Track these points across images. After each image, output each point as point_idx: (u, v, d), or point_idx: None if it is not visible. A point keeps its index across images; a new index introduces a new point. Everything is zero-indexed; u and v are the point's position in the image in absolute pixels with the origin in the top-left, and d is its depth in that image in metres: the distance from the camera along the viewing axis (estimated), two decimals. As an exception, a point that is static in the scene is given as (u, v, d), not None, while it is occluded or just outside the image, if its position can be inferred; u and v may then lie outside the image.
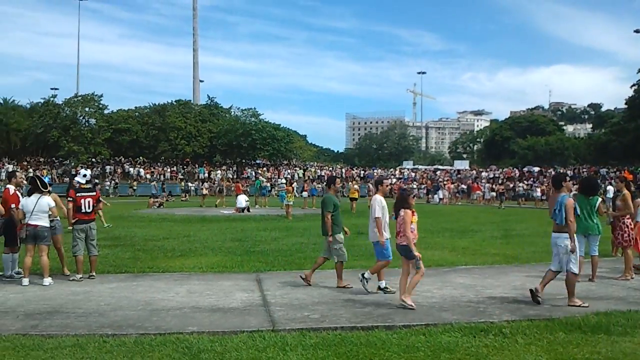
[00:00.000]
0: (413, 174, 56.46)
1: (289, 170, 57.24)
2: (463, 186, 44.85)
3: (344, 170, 60.80)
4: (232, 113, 65.46)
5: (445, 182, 45.72)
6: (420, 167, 67.91)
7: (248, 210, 26.05)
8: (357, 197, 28.73)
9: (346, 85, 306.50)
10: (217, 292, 7.99)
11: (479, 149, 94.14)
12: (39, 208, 8.68)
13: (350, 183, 34.91)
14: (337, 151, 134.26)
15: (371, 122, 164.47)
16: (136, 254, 11.75)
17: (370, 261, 10.88)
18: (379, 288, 8.03)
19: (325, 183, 8.93)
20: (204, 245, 13.53)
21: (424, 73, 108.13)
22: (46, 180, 9.64)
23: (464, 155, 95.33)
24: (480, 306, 7.17)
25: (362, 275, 8.10)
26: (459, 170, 57.86)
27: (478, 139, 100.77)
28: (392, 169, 63.88)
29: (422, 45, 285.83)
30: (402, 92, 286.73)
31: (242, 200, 26.62)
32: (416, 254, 7.20)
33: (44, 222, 8.73)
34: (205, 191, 35.83)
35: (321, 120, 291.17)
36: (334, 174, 55.31)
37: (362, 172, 60.05)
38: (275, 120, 66.72)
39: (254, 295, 7.76)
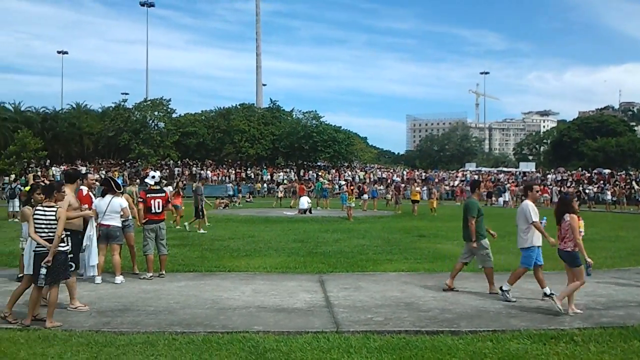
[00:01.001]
0: (475, 177, 55.26)
1: (349, 173, 57.22)
2: (529, 189, 43.38)
3: (405, 173, 60.24)
4: (294, 116, 66.13)
5: (509, 185, 44.47)
6: (483, 169, 66.31)
7: (310, 212, 26.23)
8: (418, 199, 28.43)
9: (407, 87, 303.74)
10: (281, 292, 8.10)
11: (546, 151, 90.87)
12: (112, 209, 9.03)
13: (411, 186, 34.54)
14: (398, 153, 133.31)
15: (432, 124, 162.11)
16: (203, 254, 12.06)
17: (431, 264, 10.78)
18: (545, 295, 7.59)
19: (470, 187, 8.63)
20: (267, 245, 13.73)
21: (487, 73, 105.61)
22: (119, 181, 10.03)
23: (530, 157, 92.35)
24: (550, 312, 6.95)
25: (501, 288, 7.82)
26: (524, 173, 56.14)
27: (545, 140, 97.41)
28: (454, 171, 62.73)
29: (484, 45, 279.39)
30: (464, 93, 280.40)
31: (305, 201, 26.83)
32: (588, 260, 6.97)
33: (116, 222, 9.07)
34: (280, 194, 36.53)
35: (381, 122, 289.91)
36: (395, 177, 55.03)
37: (424, 174, 59.29)
38: (336, 122, 67.12)
39: (317, 297, 7.81)
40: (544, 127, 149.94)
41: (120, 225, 9.13)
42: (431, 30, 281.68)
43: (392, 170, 63.97)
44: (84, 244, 7.16)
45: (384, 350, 5.33)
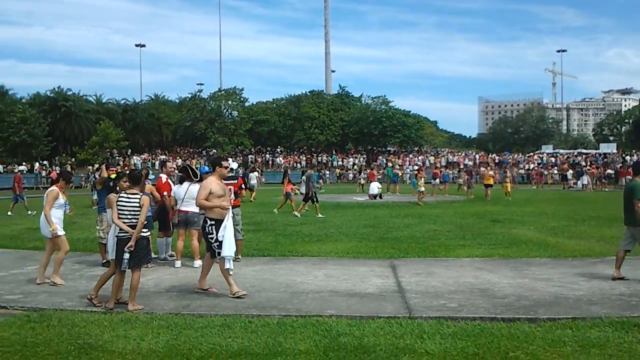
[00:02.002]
0: (552, 159, 53.15)
1: (420, 157, 56.52)
2: (610, 171, 41.43)
3: (477, 156, 58.84)
4: (363, 101, 66.01)
5: (588, 167, 42.55)
6: (561, 151, 63.66)
7: (380, 197, 26.15)
8: (492, 183, 27.70)
9: (478, 68, 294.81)
10: (353, 277, 8.15)
11: (628, 131, 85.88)
12: (190, 195, 9.34)
13: (485, 169, 33.74)
14: (470, 137, 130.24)
15: (505, 105, 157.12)
16: (277, 239, 12.30)
17: (506, 249, 10.52)
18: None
19: (634, 170, 8.14)
20: (339, 230, 13.82)
21: (564, 51, 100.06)
22: (205, 169, 10.37)
23: (611, 138, 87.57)
24: (633, 299, 6.65)
25: None
26: (605, 154, 53.44)
27: (626, 120, 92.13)
28: (529, 154, 60.65)
29: (560, 22, 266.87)
30: (539, 72, 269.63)
31: (375, 187, 26.77)
32: None
33: (194, 209, 9.36)
34: (363, 180, 36.77)
35: (452, 105, 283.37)
36: (467, 161, 53.80)
37: (497, 157, 57.70)
38: (405, 107, 66.24)
39: (389, 282, 7.81)
40: (625, 106, 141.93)
41: (198, 211, 9.42)
42: (503, 8, 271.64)
43: (463, 154, 62.65)
44: (221, 233, 7.02)
45: (458, 336, 5.27)
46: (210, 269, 7.27)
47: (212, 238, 6.95)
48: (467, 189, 29.54)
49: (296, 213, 17.96)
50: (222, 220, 6.93)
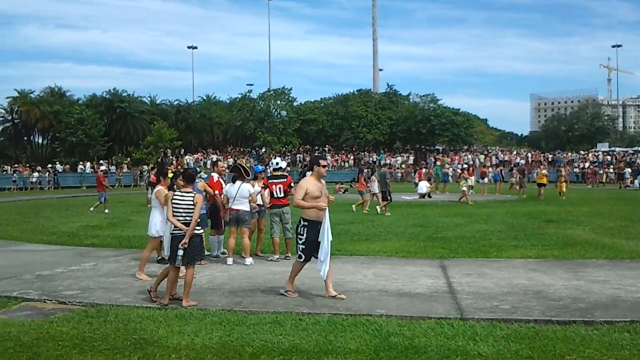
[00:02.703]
0: (608, 157, 51.30)
1: (469, 156, 55.57)
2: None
3: (529, 155, 57.43)
4: (411, 100, 65.43)
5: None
6: (617, 149, 61.39)
7: (429, 196, 25.87)
8: (545, 182, 26.96)
9: (529, 65, 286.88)
10: (402, 276, 8.11)
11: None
12: (241, 194, 9.50)
13: (537, 168, 32.85)
14: (521, 134, 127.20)
15: (559, 102, 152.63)
16: (325, 238, 12.32)
17: (561, 250, 10.23)
18: None
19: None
20: (387, 230, 13.76)
21: (619, 46, 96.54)
22: (259, 169, 10.52)
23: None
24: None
25: None
26: (664, 152, 51.25)
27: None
28: (584, 152, 58.76)
29: (616, 16, 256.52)
30: (593, 68, 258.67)
31: (424, 186, 26.52)
32: None
33: (245, 207, 9.52)
34: (417, 179, 36.52)
35: (503, 102, 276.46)
36: (519, 159, 52.58)
37: (550, 156, 56.13)
38: (454, 105, 65.33)
39: (439, 282, 7.73)
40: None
41: (249, 209, 9.56)
42: (555, 2, 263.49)
43: (515, 152, 61.26)
44: (320, 237, 6.75)
45: (512, 339, 5.17)
46: (300, 271, 7.07)
47: (300, 239, 6.81)
48: (519, 188, 28.86)
49: (366, 210, 18.83)
50: (317, 222, 6.75)
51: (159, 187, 8.22)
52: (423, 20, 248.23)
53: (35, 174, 45.01)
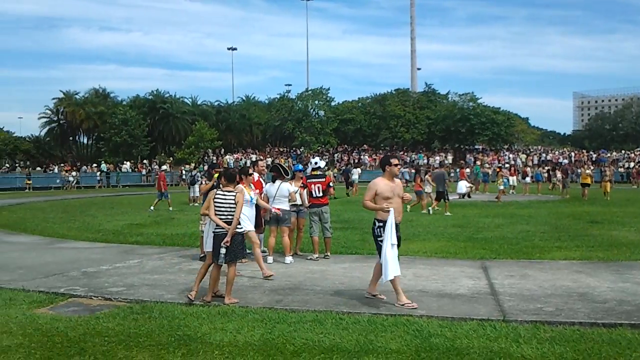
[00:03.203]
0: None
1: (510, 155, 54.62)
2: None
3: (573, 154, 56.11)
4: (450, 99, 64.73)
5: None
6: (664, 148, 59.41)
7: (469, 196, 25.56)
8: (589, 183, 26.32)
9: (572, 62, 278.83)
10: (442, 277, 8.04)
11: None
12: (280, 193, 9.59)
13: (581, 168, 32.08)
14: (564, 133, 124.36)
15: (602, 101, 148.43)
16: (364, 237, 12.29)
17: (606, 252, 9.97)
18: None
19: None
20: (426, 230, 13.66)
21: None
22: (299, 167, 10.60)
23: None
24: None
25: None
26: None
27: None
28: (629, 152, 57.02)
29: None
30: (638, 65, 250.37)
31: (463, 186, 26.17)
32: None
33: (285, 206, 9.59)
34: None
35: (544, 101, 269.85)
36: (561, 159, 51.42)
37: (594, 155, 54.69)
38: (494, 103, 64.33)
39: (481, 283, 7.64)
40: None
41: (288, 208, 9.63)
42: None
43: (557, 152, 59.93)
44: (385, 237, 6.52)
45: (556, 341, 5.08)
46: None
47: (381, 241, 6.56)
48: (562, 189, 28.24)
49: (425, 211, 18.73)
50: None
51: (239, 186, 7.98)
52: (462, 18, 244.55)
53: (74, 173, 46.06)
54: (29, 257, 10.23)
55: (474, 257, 9.76)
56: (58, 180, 43.70)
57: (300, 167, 10.73)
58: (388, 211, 6.51)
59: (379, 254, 6.61)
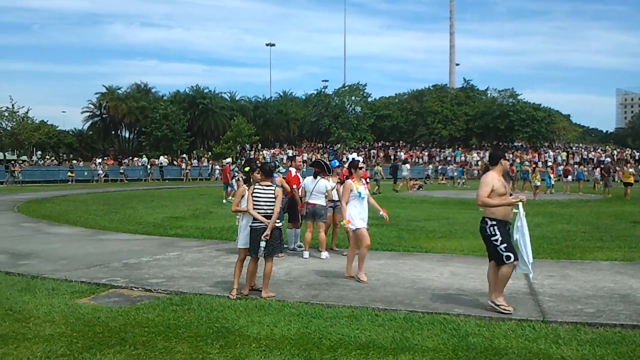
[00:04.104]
0: None
1: (550, 153, 53.49)
2: None
3: (615, 153, 54.60)
4: (489, 95, 63.81)
5: None
6: None
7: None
8: (632, 182, 25.60)
9: (616, 58, 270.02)
10: (480, 276, 7.91)
11: None
12: (318, 189, 9.63)
13: (623, 166, 31.20)
14: (606, 131, 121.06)
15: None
16: (400, 234, 12.29)
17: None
18: None
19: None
20: (463, 228, 13.51)
21: None
22: (335, 163, 10.62)
23: None
24: None
25: None
26: None
27: None
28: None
29: None
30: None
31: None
32: None
33: (321, 202, 9.63)
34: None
35: (587, 98, 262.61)
36: (604, 157, 50.09)
37: (637, 154, 53.11)
38: (534, 100, 63.10)
39: (520, 283, 7.51)
40: None
41: (324, 204, 9.66)
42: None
43: (599, 150, 58.41)
44: (515, 237, 6.12)
45: (597, 343, 4.98)
46: (508, 279, 6.17)
47: (496, 240, 6.02)
48: (604, 188, 27.55)
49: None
50: (504, 221, 6.08)
51: (347, 180, 7.92)
52: (503, 13, 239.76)
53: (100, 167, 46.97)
54: (72, 248, 10.52)
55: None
56: (101, 172, 44.67)
57: (337, 163, 10.73)
58: (517, 204, 6.07)
59: (492, 256, 6.14)
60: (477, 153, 55.04)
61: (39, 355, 4.70)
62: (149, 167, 48.44)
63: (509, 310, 5.94)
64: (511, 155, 51.42)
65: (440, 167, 47.14)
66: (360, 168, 8.06)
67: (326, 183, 9.69)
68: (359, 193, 7.74)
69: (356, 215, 7.69)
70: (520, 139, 59.45)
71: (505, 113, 56.74)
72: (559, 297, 6.68)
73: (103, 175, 44.48)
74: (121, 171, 46.01)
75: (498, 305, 6.01)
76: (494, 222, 6.06)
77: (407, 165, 34.27)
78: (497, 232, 6.00)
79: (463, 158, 53.50)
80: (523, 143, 59.76)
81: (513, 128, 56.85)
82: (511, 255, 5.96)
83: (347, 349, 4.87)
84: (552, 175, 29.79)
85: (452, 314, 5.93)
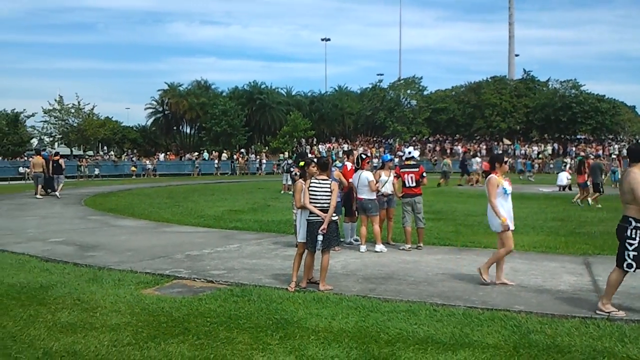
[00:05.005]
0: None
1: (616, 146, 51.33)
2: None
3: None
4: (550, 86, 61.60)
5: None
6: None
7: (570, 189, 24.37)
8: None
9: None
10: (542, 272, 7.78)
11: None
12: (361, 183, 9.62)
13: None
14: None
15: None
16: (458, 228, 12.14)
17: None
18: None
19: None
20: (523, 223, 13.16)
21: None
22: (387, 157, 10.58)
23: None
24: None
25: None
26: None
27: None
28: None
29: None
30: None
31: (564, 177, 25.02)
32: None
33: (367, 195, 9.57)
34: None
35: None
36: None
37: None
38: (598, 91, 60.13)
39: (584, 280, 7.32)
40: None
41: (370, 197, 9.59)
42: None
43: (669, 142, 55.57)
44: None
45: (666, 343, 4.80)
46: (617, 286, 5.85)
47: (630, 245, 5.61)
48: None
49: (587, 203, 18.18)
50: None
51: (490, 176, 7.41)
52: (564, 2, 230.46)
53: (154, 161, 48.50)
54: (137, 240, 10.92)
55: (575, 253, 9.36)
56: (188, 167, 46.25)
57: (389, 156, 10.66)
58: None
59: (621, 260, 5.71)
60: (538, 146, 53.47)
61: (106, 344, 4.88)
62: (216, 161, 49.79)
63: (620, 314, 5.65)
64: (574, 149, 49.79)
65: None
66: (505, 162, 7.45)
67: (367, 175, 9.62)
68: (505, 189, 7.17)
69: (504, 213, 7.10)
70: (583, 131, 57.25)
71: (568, 105, 54.76)
72: (625, 295, 6.44)
73: (152, 169, 45.94)
74: (196, 165, 47.55)
75: (608, 313, 5.68)
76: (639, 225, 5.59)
77: (477, 159, 33.65)
78: (637, 236, 5.57)
79: (523, 151, 52.08)
80: (587, 136, 57.59)
81: (576, 120, 54.83)
82: (633, 265, 5.59)
83: (406, 344, 4.87)
84: (619, 169, 28.65)
85: (513, 310, 5.83)
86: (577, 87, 58.23)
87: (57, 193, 21.62)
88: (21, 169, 39.92)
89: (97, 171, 43.48)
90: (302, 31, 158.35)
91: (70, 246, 10.17)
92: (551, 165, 46.56)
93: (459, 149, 53.83)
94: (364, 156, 10.06)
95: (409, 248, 9.61)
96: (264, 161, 50.57)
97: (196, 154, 54.53)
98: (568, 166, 32.26)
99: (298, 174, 8.99)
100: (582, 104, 54.45)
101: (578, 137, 57.92)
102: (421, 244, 9.76)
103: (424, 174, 10.09)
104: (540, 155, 49.57)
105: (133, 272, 7.89)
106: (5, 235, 11.40)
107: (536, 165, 43.99)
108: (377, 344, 4.89)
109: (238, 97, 63.11)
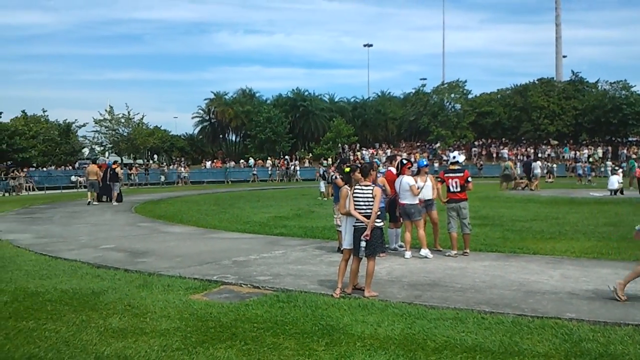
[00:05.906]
0: None
1: (673, 148, 49.40)
2: None
3: None
4: (599, 87, 59.75)
5: None
6: None
7: (621, 193, 23.60)
8: None
9: None
10: (593, 279, 7.57)
11: None
12: (402, 188, 9.59)
13: None
14: None
15: None
16: (505, 234, 11.92)
17: None
18: None
19: None
20: (574, 228, 12.87)
21: None
22: (423, 163, 10.51)
23: None
24: None
25: None
26: None
27: None
28: None
29: None
30: None
31: (615, 181, 24.24)
32: None
33: (409, 200, 9.54)
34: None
35: None
36: None
37: None
38: (649, 92, 57.98)
39: (637, 287, 7.02)
40: None
41: (412, 202, 9.54)
42: None
43: None
44: None
45: None
46: None
47: None
48: None
49: None
50: None
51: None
52: (613, 0, 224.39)
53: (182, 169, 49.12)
54: (185, 246, 11.14)
55: (628, 259, 9.05)
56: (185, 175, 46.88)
57: (425, 162, 10.58)
58: None
59: None
60: (588, 149, 51.98)
61: (156, 349, 4.99)
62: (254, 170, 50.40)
63: None
64: (625, 151, 48.18)
65: (548, 164, 44.91)
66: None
67: (408, 180, 9.58)
68: None
69: None
70: (635, 133, 55.36)
71: (618, 106, 53.05)
72: (683, 303, 6.22)
73: (186, 177, 46.65)
74: (254, 172, 48.38)
75: None
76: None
77: (539, 163, 33.04)
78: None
79: (572, 155, 50.73)
80: (638, 138, 55.63)
81: (627, 122, 53.06)
82: None
83: (453, 352, 4.83)
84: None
85: (564, 318, 5.70)
86: (627, 88, 56.32)
87: (113, 201, 22.36)
88: (73, 178, 41.27)
89: (162, 178, 45.08)
90: (344, 37, 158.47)
91: (120, 253, 10.45)
92: (602, 169, 45.16)
93: (505, 152, 52.80)
94: (404, 161, 10.02)
95: (455, 254, 9.50)
96: (297, 168, 50.64)
97: (251, 160, 55.25)
98: (619, 170, 31.19)
99: (338, 176, 9.02)
100: (633, 106, 52.71)
101: (630, 139, 56.01)
102: (467, 250, 9.63)
103: (469, 179, 9.96)
104: (590, 159, 48.14)
105: (182, 277, 8.05)
106: (58, 243, 11.81)
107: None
108: (424, 351, 4.86)
109: (282, 104, 63.68)
